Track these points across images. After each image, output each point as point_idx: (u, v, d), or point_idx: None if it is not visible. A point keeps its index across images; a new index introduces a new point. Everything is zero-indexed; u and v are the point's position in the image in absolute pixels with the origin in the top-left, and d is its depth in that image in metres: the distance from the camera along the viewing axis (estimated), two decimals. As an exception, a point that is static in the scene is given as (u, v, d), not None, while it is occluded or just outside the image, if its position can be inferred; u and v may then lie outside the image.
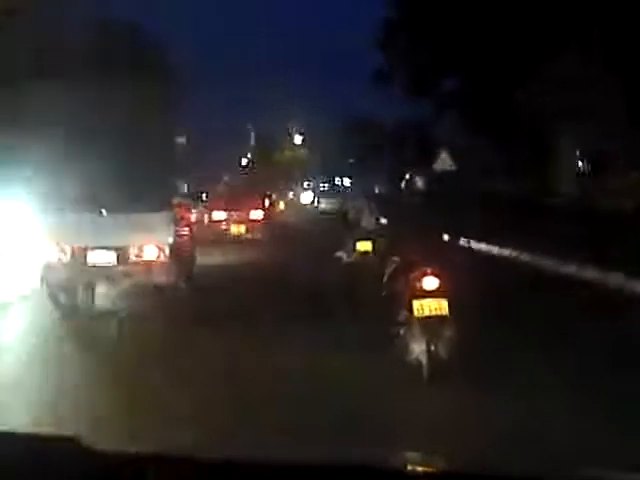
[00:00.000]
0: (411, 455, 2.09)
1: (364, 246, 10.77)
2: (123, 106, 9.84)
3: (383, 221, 11.10)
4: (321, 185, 55.20)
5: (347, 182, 50.74)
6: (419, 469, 1.71)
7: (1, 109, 11.58)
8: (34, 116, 9.75)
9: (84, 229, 9.75)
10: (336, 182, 53.46)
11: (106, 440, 1.77)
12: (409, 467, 1.73)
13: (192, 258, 12.21)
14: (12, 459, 1.54)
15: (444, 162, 18.95)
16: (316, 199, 47.89)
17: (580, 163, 24.54)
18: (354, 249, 10.95)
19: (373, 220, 11.29)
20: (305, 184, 57.47)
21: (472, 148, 25.98)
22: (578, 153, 23.85)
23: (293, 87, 57.43)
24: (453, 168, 18.93)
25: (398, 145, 38.88)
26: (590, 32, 19.36)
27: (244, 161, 51.45)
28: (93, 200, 9.67)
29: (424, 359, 5.80)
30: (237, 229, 20.33)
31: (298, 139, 58.36)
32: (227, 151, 42.63)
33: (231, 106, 48.00)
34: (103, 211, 9.78)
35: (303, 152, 58.07)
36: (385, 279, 6.67)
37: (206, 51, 55.61)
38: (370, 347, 6.51)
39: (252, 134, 53.98)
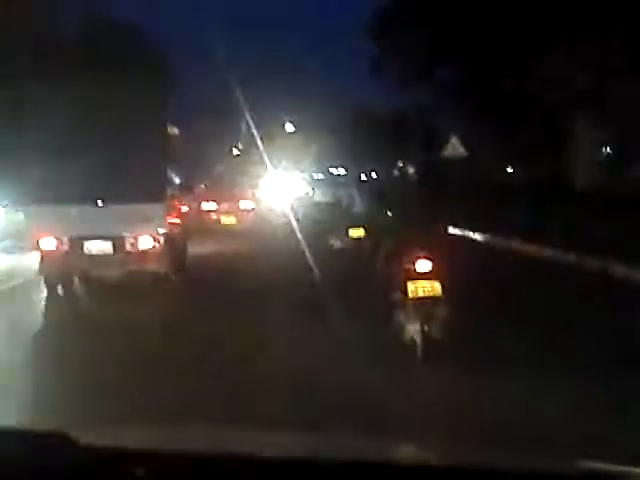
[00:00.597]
0: (407, 448, 2.13)
1: (356, 232, 11.37)
2: (119, 100, 10.38)
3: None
4: (315, 175, 55.45)
5: (342, 172, 50.98)
6: (416, 462, 1.73)
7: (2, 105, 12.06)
8: (34, 112, 10.25)
9: (81, 219, 10.28)
10: (330, 172, 53.67)
11: (95, 434, 1.82)
12: (406, 460, 1.75)
13: (184, 248, 12.75)
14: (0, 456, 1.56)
15: (454, 148, 18.28)
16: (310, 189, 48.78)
17: (603, 149, 23.70)
18: (347, 235, 11.56)
19: (364, 208, 11.87)
20: (299, 174, 57.77)
21: (475, 135, 25.77)
22: (595, 138, 22.69)
23: (286, 75, 57.75)
24: (464, 154, 18.44)
25: (395, 134, 39.08)
26: (610, 15, 17.89)
27: (235, 151, 51.75)
28: (90, 191, 10.18)
29: (418, 338, 6.26)
30: (227, 219, 20.75)
31: (290, 128, 58.11)
32: (219, 141, 42.94)
33: (223, 95, 48.09)
34: (99, 202, 10.30)
35: (295, 141, 58.07)
36: (379, 263, 7.17)
37: (198, 39, 55.73)
38: (366, 327, 7.13)
39: (243, 123, 54.16)
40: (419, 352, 6.22)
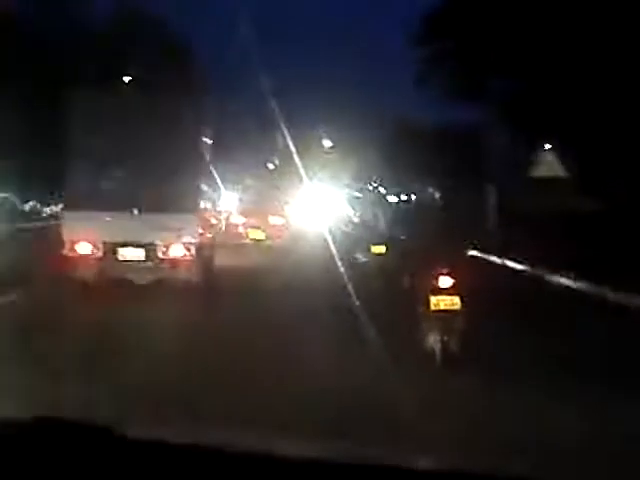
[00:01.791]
0: (410, 454, 2.28)
1: (378, 249, 12.93)
2: (159, 113, 11.51)
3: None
4: (352, 192, 55.69)
5: (382, 190, 51.27)
6: (419, 468, 1.80)
7: (41, 115, 13.24)
8: (83, 120, 11.39)
9: (116, 227, 11.33)
10: (369, 189, 53.96)
11: (140, 430, 1.94)
12: (409, 466, 1.82)
13: (212, 259, 13.70)
14: (45, 446, 1.67)
15: (551, 167, 16.85)
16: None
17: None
18: (369, 250, 13.17)
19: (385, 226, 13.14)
20: (336, 191, 57.81)
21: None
22: None
23: (325, 88, 58.57)
24: (561, 174, 17.12)
25: (439, 151, 38.07)
26: None
27: (270, 165, 52.93)
28: (126, 200, 11.23)
29: (437, 347, 7.23)
30: (256, 234, 21.38)
31: (328, 143, 58.66)
32: (254, 155, 44.04)
33: (259, 108, 49.25)
34: (135, 211, 11.33)
35: (333, 157, 58.23)
36: (405, 278, 8.39)
37: (234, 51, 57.11)
38: (391, 335, 8.17)
39: (280, 137, 55.13)
40: (437, 358, 7.25)
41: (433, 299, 7.29)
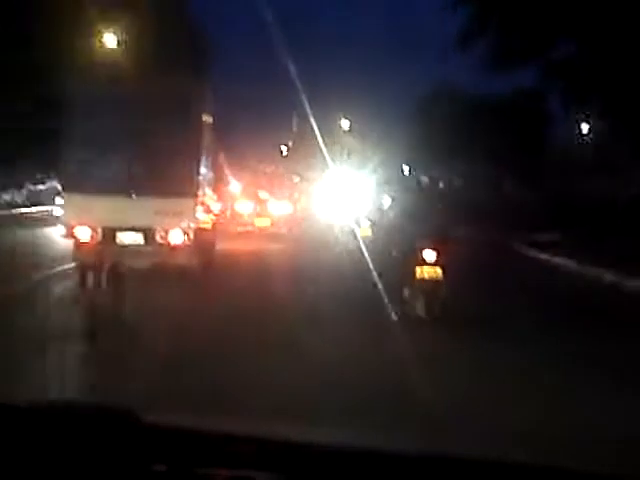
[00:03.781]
0: (406, 440, 2.41)
1: (364, 231, 15.58)
2: (155, 94, 12.31)
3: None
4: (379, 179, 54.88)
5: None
6: (420, 454, 1.89)
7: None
8: (72, 104, 12.25)
9: (115, 211, 12.20)
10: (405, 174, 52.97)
11: (159, 414, 2.05)
12: (410, 452, 1.91)
13: (212, 245, 14.55)
14: (64, 430, 1.79)
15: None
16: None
17: None
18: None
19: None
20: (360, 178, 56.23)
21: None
22: None
23: (345, 64, 57.91)
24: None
25: (482, 129, 34.78)
26: None
27: (284, 149, 53.48)
28: (125, 183, 12.08)
29: (422, 311, 9.35)
30: (261, 221, 22.08)
31: (345, 124, 56.39)
32: (265, 137, 44.52)
33: (273, 88, 49.67)
34: (134, 195, 12.18)
35: (351, 140, 57.25)
36: (394, 253, 10.50)
37: (244, 20, 57.18)
38: (381, 303, 9.86)
39: (294, 120, 55.23)
40: (423, 315, 9.41)
41: (418, 269, 9.47)
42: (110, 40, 20.18)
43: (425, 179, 12.00)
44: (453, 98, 39.83)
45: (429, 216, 10.32)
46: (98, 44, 19.01)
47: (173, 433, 1.87)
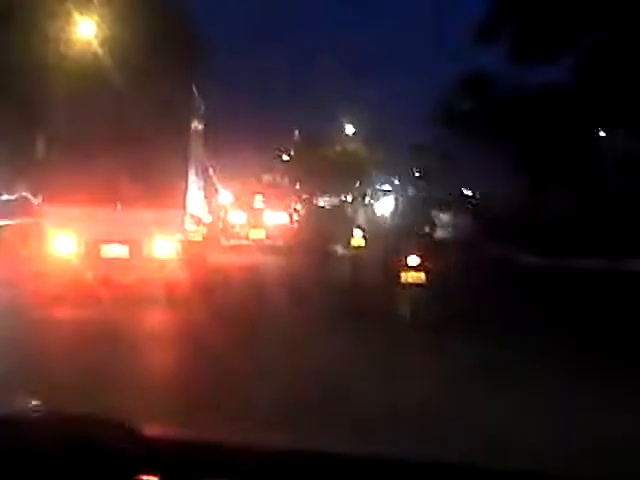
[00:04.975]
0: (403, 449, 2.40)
1: (357, 242, 16.62)
2: (143, 102, 12.18)
3: None
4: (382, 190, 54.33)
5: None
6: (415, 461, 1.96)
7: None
8: (54, 110, 12.17)
9: (98, 223, 12.07)
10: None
11: (156, 426, 2.11)
12: (402, 460, 1.97)
13: (203, 259, 14.41)
14: (58, 440, 1.83)
15: None
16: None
17: None
18: (349, 244, 16.20)
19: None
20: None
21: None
22: None
23: (349, 63, 57.49)
24: None
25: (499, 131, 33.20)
26: None
27: (285, 157, 53.33)
28: (109, 194, 11.95)
29: (407, 312, 10.83)
30: (256, 233, 21.96)
31: (350, 129, 55.04)
32: (265, 145, 44.36)
33: (274, 92, 49.68)
34: (119, 206, 12.07)
35: (356, 146, 56.51)
36: (382, 259, 12.27)
37: (238, 20, 56.95)
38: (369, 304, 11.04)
39: (296, 126, 54.85)
40: (408, 319, 10.84)
41: (403, 274, 10.98)
42: (90, 34, 19.12)
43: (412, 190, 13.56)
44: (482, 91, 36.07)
45: (417, 226, 12.34)
46: (77, 38, 18.41)
47: (168, 444, 1.92)
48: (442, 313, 10.66)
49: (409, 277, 10.83)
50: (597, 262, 16.22)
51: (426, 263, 10.85)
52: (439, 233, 24.02)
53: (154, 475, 1.83)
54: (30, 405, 2.16)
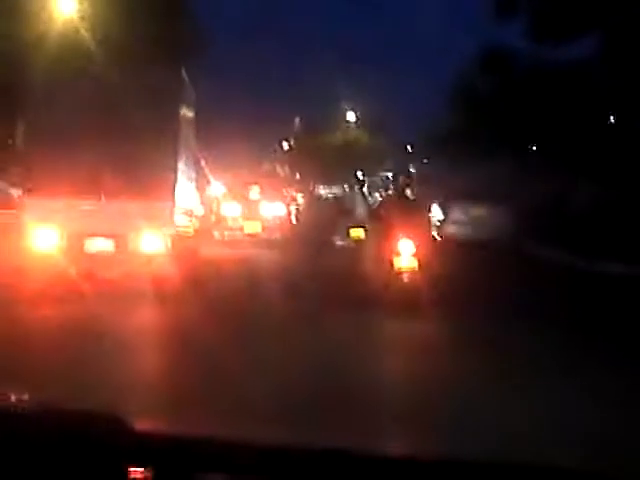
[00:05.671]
0: (397, 444, 2.59)
1: (356, 232, 15.45)
2: (129, 91, 11.82)
3: None
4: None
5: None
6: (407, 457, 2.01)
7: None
8: (36, 99, 11.79)
9: (82, 215, 11.72)
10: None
11: (149, 420, 2.18)
12: (398, 455, 2.05)
13: (194, 253, 14.04)
14: (51, 434, 1.88)
15: None
16: None
17: None
18: (348, 235, 15.48)
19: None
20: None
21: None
22: None
23: (350, 50, 57.20)
24: None
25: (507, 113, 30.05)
26: None
27: (285, 145, 53.07)
28: (94, 185, 11.59)
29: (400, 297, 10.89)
30: (251, 226, 21.51)
31: (351, 116, 54.39)
32: (262, 133, 44.08)
33: (273, 78, 49.56)
34: (104, 198, 11.70)
35: (358, 133, 55.96)
36: (375, 247, 12.01)
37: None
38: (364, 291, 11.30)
39: (297, 118, 54.51)
40: (401, 303, 10.77)
41: (396, 260, 11.25)
42: (73, 12, 18.32)
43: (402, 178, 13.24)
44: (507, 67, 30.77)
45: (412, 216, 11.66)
46: (58, 17, 17.74)
47: (159, 438, 1.97)
48: None
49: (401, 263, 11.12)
50: None
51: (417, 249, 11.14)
52: (451, 229, 23.16)
53: (146, 469, 1.87)
54: (22, 399, 2.22)
